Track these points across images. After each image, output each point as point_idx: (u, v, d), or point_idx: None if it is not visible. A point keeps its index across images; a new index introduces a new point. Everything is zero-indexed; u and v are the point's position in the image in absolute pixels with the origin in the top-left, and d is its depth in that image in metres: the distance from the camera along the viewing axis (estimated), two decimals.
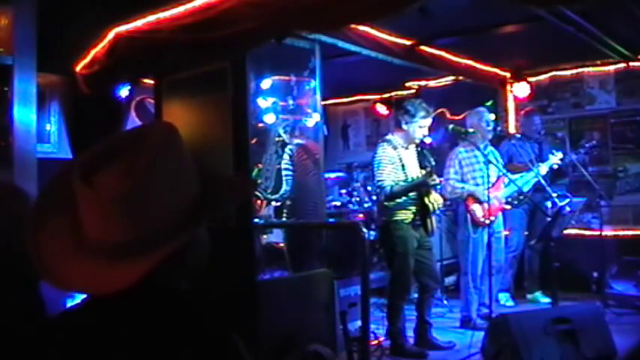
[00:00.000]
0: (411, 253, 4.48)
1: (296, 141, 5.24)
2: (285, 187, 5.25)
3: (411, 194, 4.50)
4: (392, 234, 4.51)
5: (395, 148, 4.56)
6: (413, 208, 4.51)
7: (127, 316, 1.02)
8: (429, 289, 4.66)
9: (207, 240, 1.16)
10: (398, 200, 4.49)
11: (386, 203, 4.53)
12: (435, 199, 4.56)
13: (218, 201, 1.12)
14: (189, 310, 1.07)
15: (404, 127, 4.58)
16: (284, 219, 5.36)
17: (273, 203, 5.74)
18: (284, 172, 5.24)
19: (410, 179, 4.51)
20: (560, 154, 5.69)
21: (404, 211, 4.52)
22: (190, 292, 1.10)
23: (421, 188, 4.47)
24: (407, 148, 4.63)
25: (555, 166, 5.67)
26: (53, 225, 1.08)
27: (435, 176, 4.50)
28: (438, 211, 4.71)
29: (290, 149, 5.20)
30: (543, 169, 5.59)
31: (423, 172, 4.52)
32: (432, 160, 4.54)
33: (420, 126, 4.55)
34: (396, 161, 4.52)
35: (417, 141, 4.62)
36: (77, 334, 1.05)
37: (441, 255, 6.01)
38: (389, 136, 4.69)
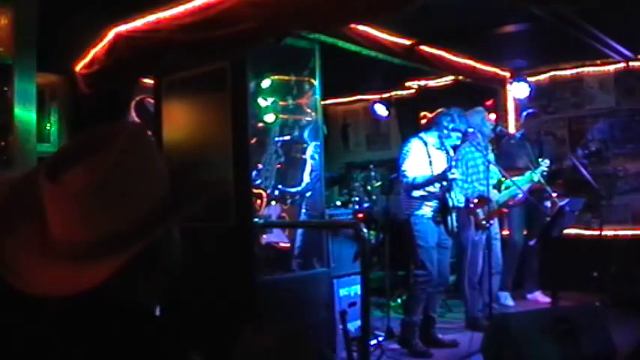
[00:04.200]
0: (432, 246, 4.56)
1: (313, 144, 5.28)
2: (307, 180, 5.30)
3: (433, 191, 4.59)
4: (412, 228, 4.59)
5: (425, 144, 4.68)
6: (433, 204, 4.60)
7: (81, 331, 1.00)
8: (437, 285, 4.68)
9: (179, 242, 1.14)
10: (420, 194, 4.58)
11: (407, 197, 4.64)
12: (455, 196, 4.66)
13: (187, 202, 1.10)
14: (149, 330, 1.04)
15: (445, 131, 4.66)
16: (303, 212, 5.40)
17: (274, 201, 5.75)
18: (310, 168, 5.29)
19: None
20: (547, 162, 5.59)
21: (424, 207, 4.59)
22: (152, 310, 1.09)
23: (441, 181, 4.56)
24: (438, 147, 4.73)
25: (544, 173, 5.61)
26: (19, 228, 1.06)
27: (455, 170, 4.57)
28: (456, 209, 4.71)
29: (315, 145, 5.23)
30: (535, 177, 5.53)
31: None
32: (450, 150, 4.70)
33: (459, 137, 4.70)
34: (424, 157, 4.63)
35: (450, 147, 4.74)
36: (28, 347, 1.01)
37: None
38: (421, 134, 4.80)
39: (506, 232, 6.19)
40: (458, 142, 4.78)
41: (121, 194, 1.01)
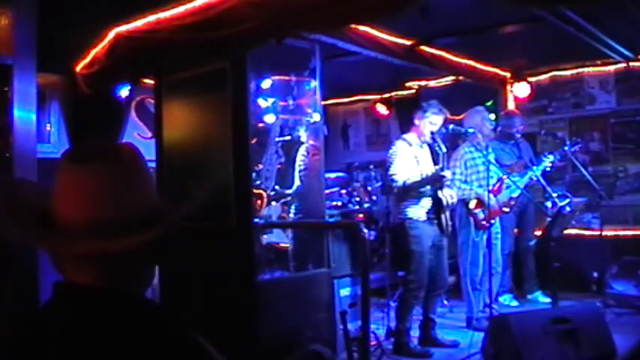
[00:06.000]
0: (426, 251, 4.54)
1: (310, 142, 5.27)
2: (297, 183, 5.29)
3: (425, 190, 4.56)
4: (407, 232, 4.56)
5: (410, 145, 4.67)
6: (427, 205, 4.57)
7: (91, 321, 1.08)
8: (436, 287, 4.69)
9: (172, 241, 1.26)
10: (412, 195, 4.56)
11: (400, 199, 4.62)
12: (447, 194, 4.63)
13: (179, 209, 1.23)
14: (152, 318, 1.13)
15: (416, 122, 4.71)
16: (292, 213, 5.39)
17: (274, 202, 5.75)
18: (298, 169, 5.28)
19: (425, 175, 4.58)
20: (551, 157, 5.62)
21: (418, 209, 4.57)
22: (153, 300, 1.21)
23: (434, 182, 4.54)
24: (421, 146, 4.72)
25: (548, 169, 5.62)
26: (29, 212, 1.17)
27: (446, 170, 4.56)
28: (450, 208, 4.69)
29: (307, 147, 5.22)
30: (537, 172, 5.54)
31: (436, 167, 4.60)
32: (442, 147, 4.61)
33: (431, 122, 4.66)
34: (411, 157, 4.63)
35: (429, 137, 4.69)
36: (42, 335, 1.08)
37: None
38: (404, 135, 4.81)
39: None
40: (435, 130, 4.65)
41: (132, 186, 1.15)
